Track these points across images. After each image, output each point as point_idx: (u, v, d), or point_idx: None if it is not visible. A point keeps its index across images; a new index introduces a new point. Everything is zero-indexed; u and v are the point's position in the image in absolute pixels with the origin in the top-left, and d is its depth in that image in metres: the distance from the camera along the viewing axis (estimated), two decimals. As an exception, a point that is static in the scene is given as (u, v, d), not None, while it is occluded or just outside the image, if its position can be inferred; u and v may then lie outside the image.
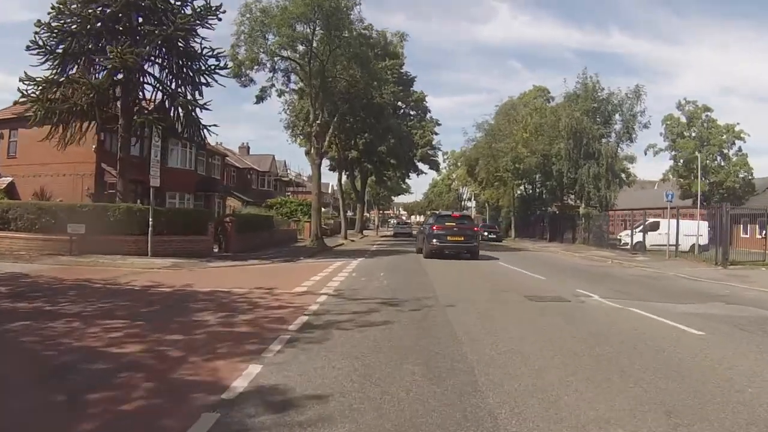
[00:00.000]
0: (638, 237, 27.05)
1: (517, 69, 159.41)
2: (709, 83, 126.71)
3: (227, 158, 44.01)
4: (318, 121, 26.93)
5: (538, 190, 39.32)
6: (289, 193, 54.37)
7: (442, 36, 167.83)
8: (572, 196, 40.52)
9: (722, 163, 40.28)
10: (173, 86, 19.89)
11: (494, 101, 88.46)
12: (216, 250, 19.58)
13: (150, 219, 16.35)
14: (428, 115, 50.23)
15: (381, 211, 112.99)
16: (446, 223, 20.32)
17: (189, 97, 19.63)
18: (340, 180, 38.30)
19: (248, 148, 55.86)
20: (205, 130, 20.37)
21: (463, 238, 19.73)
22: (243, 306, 8.50)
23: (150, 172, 17.12)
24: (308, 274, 13.63)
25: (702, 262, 20.27)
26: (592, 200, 35.40)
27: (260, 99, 29.50)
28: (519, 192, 47.57)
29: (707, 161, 38.35)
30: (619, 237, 30.98)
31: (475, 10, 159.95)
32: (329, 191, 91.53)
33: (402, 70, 44.58)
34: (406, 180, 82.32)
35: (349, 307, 8.49)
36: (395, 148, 44.06)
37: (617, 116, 37.83)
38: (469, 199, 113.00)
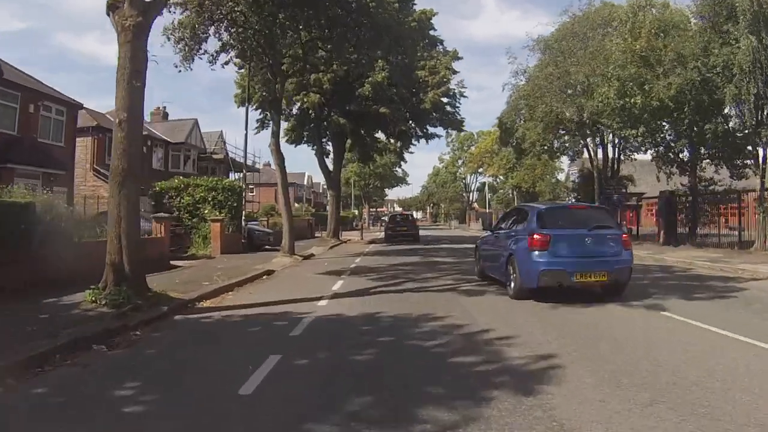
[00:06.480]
0: None
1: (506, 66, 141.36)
2: None
3: (92, 115, 25.00)
4: None
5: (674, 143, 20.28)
6: (237, 178, 34.99)
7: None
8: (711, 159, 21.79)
9: None
10: None
11: (486, 98, 67.77)
12: None
13: None
14: (439, 47, 31.51)
15: (375, 209, 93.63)
16: (397, 220, 33.58)
17: None
18: (276, 136, 18.92)
19: (165, 113, 36.86)
20: None
21: (406, 228, 30.82)
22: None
23: None
24: None
25: None
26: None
27: None
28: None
29: None
30: None
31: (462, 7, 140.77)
32: (305, 182, 71.91)
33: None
34: (402, 163, 62.81)
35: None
36: (384, 89, 25.28)
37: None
38: (480, 189, 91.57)
